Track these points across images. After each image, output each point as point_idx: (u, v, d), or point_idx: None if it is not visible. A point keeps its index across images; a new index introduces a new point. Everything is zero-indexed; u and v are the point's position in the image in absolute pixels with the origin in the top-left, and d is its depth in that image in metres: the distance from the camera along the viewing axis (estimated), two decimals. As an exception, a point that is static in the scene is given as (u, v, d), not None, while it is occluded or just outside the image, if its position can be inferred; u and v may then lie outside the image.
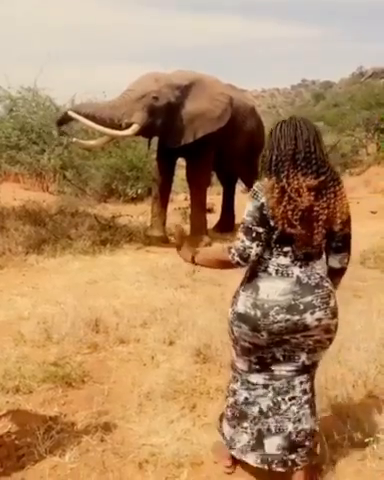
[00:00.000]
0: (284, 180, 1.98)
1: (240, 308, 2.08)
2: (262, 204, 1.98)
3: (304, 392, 2.17)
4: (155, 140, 7.74)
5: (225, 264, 2.08)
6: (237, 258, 2.01)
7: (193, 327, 3.76)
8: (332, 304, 2.08)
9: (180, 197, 13.29)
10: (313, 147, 2.01)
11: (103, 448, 2.48)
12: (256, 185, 2.04)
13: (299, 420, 2.16)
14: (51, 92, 9.53)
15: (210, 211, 9.40)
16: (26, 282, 5.37)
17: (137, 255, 6.69)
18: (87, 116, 6.67)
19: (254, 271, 2.08)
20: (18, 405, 2.87)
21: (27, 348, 3.60)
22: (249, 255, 2.00)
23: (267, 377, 2.17)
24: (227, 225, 8.63)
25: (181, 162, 8.56)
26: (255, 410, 2.20)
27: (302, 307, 2.01)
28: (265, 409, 2.18)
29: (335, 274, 2.19)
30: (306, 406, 2.17)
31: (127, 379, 3.22)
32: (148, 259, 6.33)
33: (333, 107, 28.98)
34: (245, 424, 2.22)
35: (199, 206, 7.84)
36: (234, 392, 2.26)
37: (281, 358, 2.13)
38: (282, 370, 2.15)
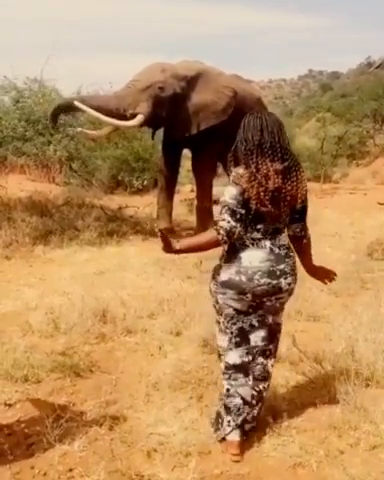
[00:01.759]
0: (253, 166, 2.27)
1: (224, 277, 2.35)
2: (243, 189, 2.24)
3: (270, 375, 2.52)
4: (160, 131, 7.71)
5: (210, 244, 2.30)
6: (225, 237, 2.25)
7: (200, 318, 3.76)
8: (296, 271, 2.43)
9: (186, 188, 13.27)
10: (277, 137, 2.30)
11: (111, 437, 2.50)
12: (235, 173, 2.30)
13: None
14: (57, 83, 9.48)
15: (216, 203, 9.36)
16: (33, 273, 5.39)
17: (144, 246, 6.70)
18: (92, 107, 6.65)
19: (233, 246, 2.34)
20: (27, 394, 2.90)
21: (35, 338, 3.63)
22: (234, 233, 2.26)
23: (244, 353, 2.43)
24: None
25: (188, 153, 8.53)
26: (238, 401, 2.43)
27: (278, 273, 2.33)
28: (249, 399, 2.44)
29: (296, 241, 2.47)
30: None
31: (135, 369, 3.24)
32: (155, 250, 6.29)
33: (340, 98, 28.64)
34: (228, 418, 2.43)
35: (205, 197, 7.82)
36: (222, 385, 2.50)
37: (256, 324, 2.43)
38: (257, 336, 2.44)
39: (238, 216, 2.25)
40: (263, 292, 2.33)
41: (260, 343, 2.45)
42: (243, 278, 2.31)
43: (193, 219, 8.08)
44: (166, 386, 2.98)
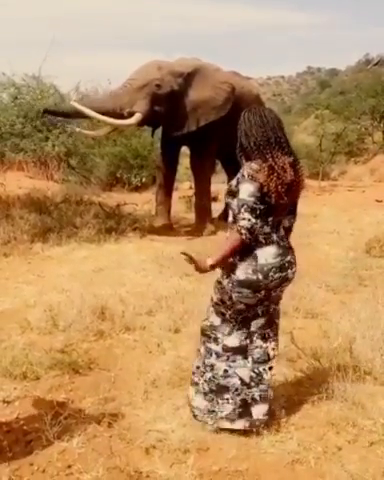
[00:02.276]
0: (270, 160, 2.30)
1: (241, 276, 2.36)
2: (261, 184, 2.26)
3: (273, 357, 2.55)
4: (159, 128, 7.70)
5: (237, 247, 2.32)
6: (248, 235, 2.28)
7: (198, 315, 3.75)
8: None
9: (185, 186, 13.26)
10: (279, 132, 2.35)
11: (110, 434, 2.51)
12: (249, 168, 2.29)
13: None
14: (55, 79, 9.40)
15: (215, 200, 9.37)
16: (32, 270, 5.39)
17: (142, 243, 6.70)
18: (90, 107, 6.64)
19: (248, 243, 2.34)
20: (26, 391, 2.90)
21: (34, 335, 3.63)
22: (255, 230, 2.29)
23: (243, 337, 2.49)
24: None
25: (186, 151, 8.52)
26: (236, 382, 2.48)
27: (287, 265, 2.42)
28: (247, 380, 2.48)
29: (287, 231, 2.51)
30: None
31: (133, 366, 3.25)
32: (153, 247, 6.34)
33: (339, 95, 28.55)
34: (226, 396, 2.49)
35: (203, 194, 7.82)
36: (212, 367, 2.53)
37: (260, 313, 2.49)
38: (258, 324, 2.50)
39: (258, 212, 2.27)
40: (275, 286, 2.41)
41: (258, 329, 2.51)
42: (260, 276, 2.35)
43: (192, 216, 8.08)
44: (165, 383, 2.98)
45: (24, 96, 9.00)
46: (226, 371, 2.50)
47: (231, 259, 2.40)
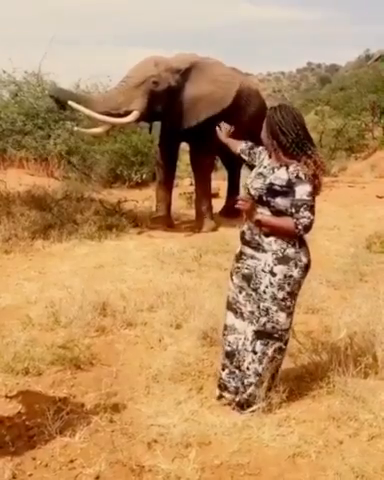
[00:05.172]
0: (312, 155, 2.46)
1: (305, 260, 2.57)
2: (312, 182, 2.42)
3: None
4: (157, 125, 7.67)
5: (286, 232, 2.50)
6: (303, 232, 2.46)
7: (200, 311, 3.77)
8: None
9: (185, 182, 13.25)
10: (306, 128, 2.52)
11: (112, 428, 2.52)
12: (303, 170, 2.43)
13: None
14: (56, 77, 9.40)
15: (215, 196, 9.36)
16: (33, 267, 5.39)
17: (143, 240, 6.70)
18: (86, 106, 6.59)
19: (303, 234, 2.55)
20: (28, 387, 2.92)
21: (35, 331, 3.64)
22: (312, 226, 2.46)
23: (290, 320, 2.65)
24: (233, 210, 8.54)
25: (186, 147, 8.51)
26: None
27: None
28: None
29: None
30: None
31: (135, 361, 3.26)
32: (154, 244, 6.35)
33: (339, 91, 28.51)
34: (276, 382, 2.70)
35: (204, 191, 7.80)
36: (279, 363, 2.69)
37: None
38: None
39: (314, 209, 2.45)
40: None
41: None
42: (310, 257, 2.60)
43: (192, 213, 8.08)
44: (166, 378, 3.00)
45: (24, 93, 9.01)
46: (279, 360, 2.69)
47: (294, 249, 2.53)
